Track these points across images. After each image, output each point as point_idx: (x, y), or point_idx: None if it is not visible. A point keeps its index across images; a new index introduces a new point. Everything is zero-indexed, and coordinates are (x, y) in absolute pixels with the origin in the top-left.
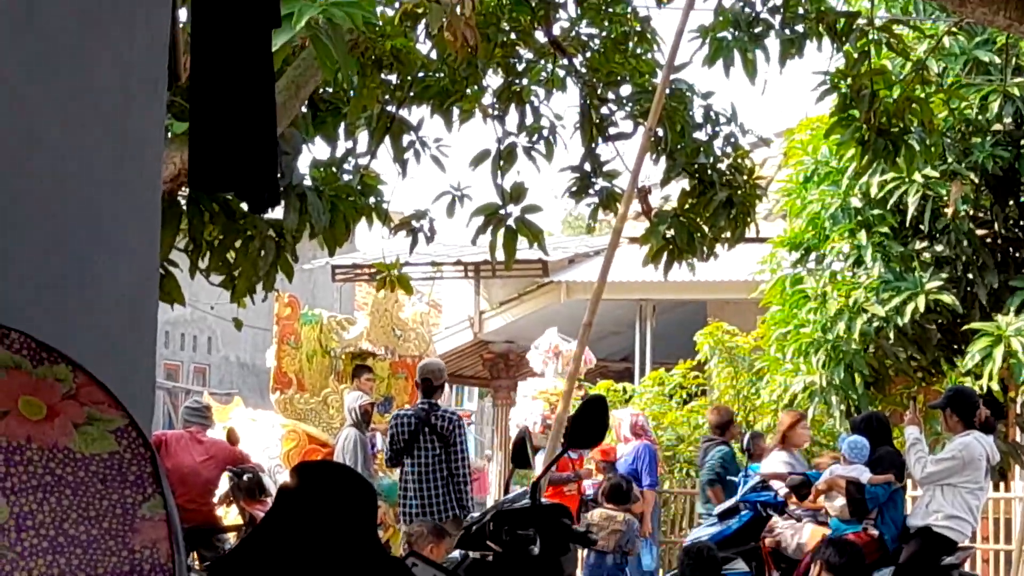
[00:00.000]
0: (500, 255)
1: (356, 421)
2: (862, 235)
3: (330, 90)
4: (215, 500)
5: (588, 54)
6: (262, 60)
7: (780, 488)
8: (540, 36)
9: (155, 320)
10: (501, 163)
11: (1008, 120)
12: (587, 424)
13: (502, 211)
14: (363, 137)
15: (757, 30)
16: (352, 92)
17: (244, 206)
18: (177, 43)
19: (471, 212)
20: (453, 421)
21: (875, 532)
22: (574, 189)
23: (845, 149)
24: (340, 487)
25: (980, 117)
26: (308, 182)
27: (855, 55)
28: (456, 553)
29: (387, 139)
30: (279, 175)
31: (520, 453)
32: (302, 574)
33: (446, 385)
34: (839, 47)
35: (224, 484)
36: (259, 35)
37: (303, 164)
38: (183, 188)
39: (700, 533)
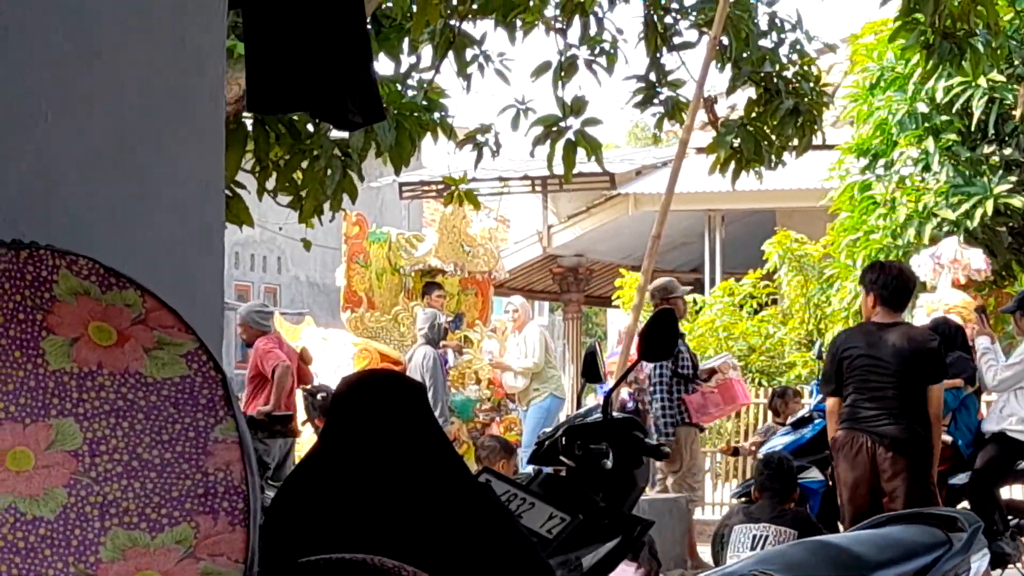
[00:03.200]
0: (559, 168)
1: (432, 338)
2: (929, 141)
3: (392, 5)
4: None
5: None
6: None
7: None
8: None
9: (222, 242)
10: (562, 75)
11: None
12: (658, 337)
13: (562, 123)
14: (427, 52)
15: None
16: (415, 7)
17: (311, 126)
18: None
19: (531, 124)
20: None
21: (948, 438)
22: (639, 99)
23: (910, 54)
24: (390, 391)
25: None
26: None
27: None
28: (529, 468)
29: (450, 54)
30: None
31: (591, 367)
32: (373, 485)
33: (677, 300)
34: None
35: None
36: None
37: None
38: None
39: (775, 442)
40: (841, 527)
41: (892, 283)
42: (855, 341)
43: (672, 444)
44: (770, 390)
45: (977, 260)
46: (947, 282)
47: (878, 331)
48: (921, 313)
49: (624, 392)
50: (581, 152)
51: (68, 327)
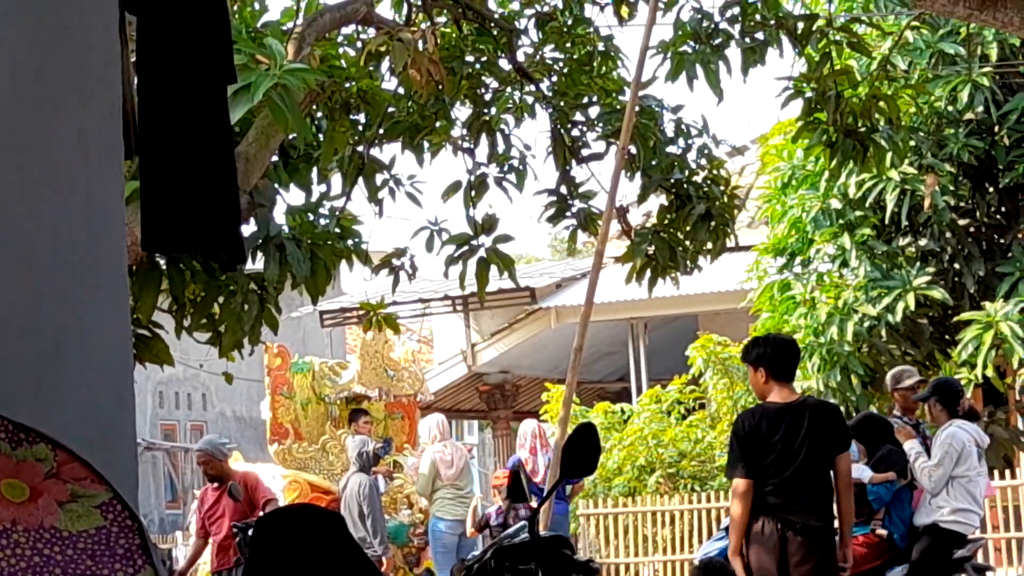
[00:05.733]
0: (473, 286)
1: (364, 465)
2: (845, 236)
3: (297, 136)
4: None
5: (554, 78)
6: (216, 118)
7: None
8: (505, 64)
9: (132, 388)
10: (473, 194)
11: (980, 109)
12: (579, 453)
13: (473, 242)
14: (336, 180)
15: (717, 41)
16: (321, 136)
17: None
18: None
19: (442, 243)
20: None
21: (884, 532)
22: (551, 213)
23: (813, 153)
24: (309, 526)
25: (951, 109)
26: (285, 231)
27: (817, 58)
28: None
29: (360, 180)
30: (247, 229)
31: (516, 487)
32: None
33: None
34: (800, 51)
35: None
36: (211, 93)
37: (279, 214)
38: None
39: (709, 548)
40: None
41: (779, 355)
42: (759, 426)
43: None
44: (703, 496)
45: None
46: None
47: (780, 413)
48: None
49: (492, 507)
50: (499, 269)
51: None
